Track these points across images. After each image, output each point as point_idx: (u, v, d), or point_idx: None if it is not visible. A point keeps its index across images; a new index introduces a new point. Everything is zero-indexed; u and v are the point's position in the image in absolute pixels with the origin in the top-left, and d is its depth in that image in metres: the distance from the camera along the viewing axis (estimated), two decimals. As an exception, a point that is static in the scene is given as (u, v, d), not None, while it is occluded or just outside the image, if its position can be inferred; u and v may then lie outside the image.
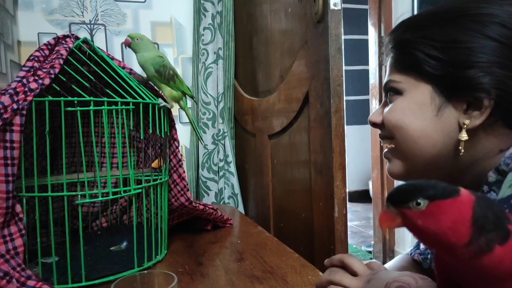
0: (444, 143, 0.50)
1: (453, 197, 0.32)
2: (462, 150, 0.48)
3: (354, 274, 0.51)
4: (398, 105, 0.53)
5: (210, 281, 0.70)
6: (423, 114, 0.50)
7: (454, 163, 0.51)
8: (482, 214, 0.31)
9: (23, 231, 0.64)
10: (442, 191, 0.32)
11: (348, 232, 1.01)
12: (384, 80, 0.57)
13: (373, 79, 2.48)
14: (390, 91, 0.55)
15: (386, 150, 0.58)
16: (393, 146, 0.55)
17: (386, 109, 0.55)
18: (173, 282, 0.49)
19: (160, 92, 0.86)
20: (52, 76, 0.67)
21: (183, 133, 1.63)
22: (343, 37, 0.93)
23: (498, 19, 0.46)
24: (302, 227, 1.10)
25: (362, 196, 4.14)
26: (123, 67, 0.85)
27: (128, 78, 0.81)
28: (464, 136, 0.48)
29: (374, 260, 0.56)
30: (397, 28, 0.55)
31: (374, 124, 0.57)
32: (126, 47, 0.86)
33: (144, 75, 0.87)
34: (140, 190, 0.75)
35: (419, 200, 0.32)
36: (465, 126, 0.48)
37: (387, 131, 0.55)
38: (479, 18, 0.47)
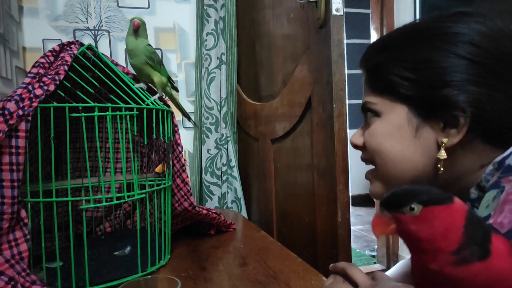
0: (424, 164, 0.50)
1: (447, 204, 0.32)
2: (442, 169, 0.48)
3: (355, 284, 0.52)
4: (377, 129, 0.53)
5: (214, 286, 0.70)
6: (402, 137, 0.51)
7: (435, 181, 0.51)
8: (473, 225, 0.32)
9: (28, 236, 0.64)
10: (436, 197, 0.33)
11: (352, 237, 1.01)
12: (362, 100, 0.57)
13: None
14: (368, 112, 0.55)
15: (367, 171, 0.58)
16: (374, 167, 0.56)
17: (366, 132, 0.55)
18: (177, 287, 0.49)
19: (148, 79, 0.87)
20: (57, 82, 0.68)
21: (187, 138, 1.63)
22: (345, 41, 0.93)
23: (467, 37, 0.47)
24: (305, 231, 1.10)
25: (365, 200, 4.13)
26: (127, 73, 0.86)
27: (132, 84, 0.82)
28: (443, 155, 0.48)
29: (379, 270, 0.56)
30: (368, 52, 0.56)
31: (355, 146, 0.58)
32: (134, 29, 0.84)
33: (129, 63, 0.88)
34: (143, 195, 0.76)
35: (413, 205, 0.32)
36: (443, 144, 0.48)
37: (368, 154, 0.56)
38: (449, 38, 0.48)
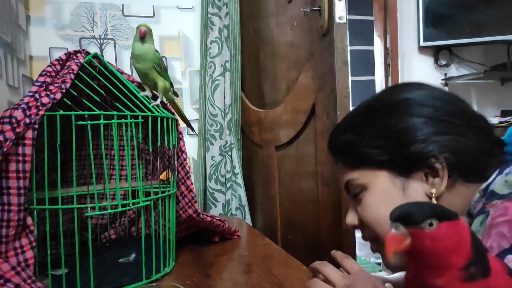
0: None
1: (456, 220, 0.33)
2: None
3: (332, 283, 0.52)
4: (368, 201, 0.55)
5: (218, 293, 0.70)
6: (392, 200, 0.52)
7: None
8: (476, 241, 0.32)
9: (34, 243, 0.64)
10: (448, 212, 0.33)
11: (357, 244, 1.00)
12: (342, 181, 0.60)
13: (380, 89, 2.48)
14: (354, 190, 0.57)
15: (373, 248, 0.59)
16: (380, 241, 0.56)
17: (359, 209, 0.57)
18: (182, 295, 0.49)
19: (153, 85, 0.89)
20: (64, 90, 0.69)
21: (191, 145, 1.64)
22: (348, 48, 0.94)
23: (415, 100, 0.54)
24: (310, 239, 1.09)
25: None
26: (132, 81, 0.86)
27: (137, 92, 0.83)
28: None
29: (349, 258, 0.55)
30: (335, 134, 0.60)
31: (354, 226, 0.60)
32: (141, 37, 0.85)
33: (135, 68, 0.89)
34: (148, 202, 0.76)
35: (431, 221, 0.32)
36: (433, 195, 0.51)
37: (367, 231, 0.57)
38: (403, 104, 0.54)
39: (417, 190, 0.52)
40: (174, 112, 0.89)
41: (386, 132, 0.54)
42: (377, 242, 0.57)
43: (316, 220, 1.05)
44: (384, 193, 0.54)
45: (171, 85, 0.92)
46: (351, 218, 0.59)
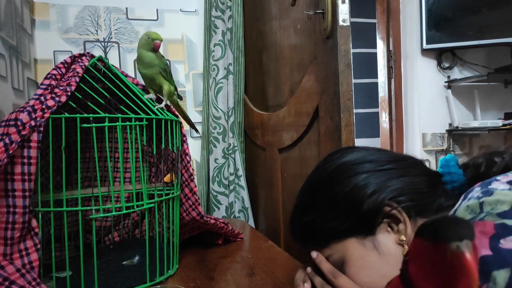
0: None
1: None
2: None
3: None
4: (350, 273, 0.54)
5: (222, 296, 0.70)
6: (371, 263, 0.53)
7: None
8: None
9: (39, 246, 0.65)
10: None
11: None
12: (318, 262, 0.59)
13: (382, 92, 2.48)
14: (336, 267, 0.56)
15: None
16: None
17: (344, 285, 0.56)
18: (186, 297, 0.49)
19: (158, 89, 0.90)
20: (69, 93, 0.69)
21: (194, 148, 1.64)
22: (352, 51, 0.94)
23: (349, 162, 0.56)
24: (313, 241, 1.09)
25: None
26: (137, 84, 0.87)
27: (141, 94, 0.83)
28: (406, 249, 0.51)
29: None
30: (293, 222, 0.61)
31: None
32: (156, 50, 0.86)
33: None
34: (152, 205, 0.76)
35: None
36: (404, 242, 0.51)
37: None
38: (338, 170, 0.57)
39: (388, 242, 0.52)
40: (178, 114, 0.90)
41: (335, 201, 0.55)
42: None
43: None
44: (360, 260, 0.54)
45: (175, 88, 0.93)
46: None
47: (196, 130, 1.02)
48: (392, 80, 2.24)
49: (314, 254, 0.58)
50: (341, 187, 0.55)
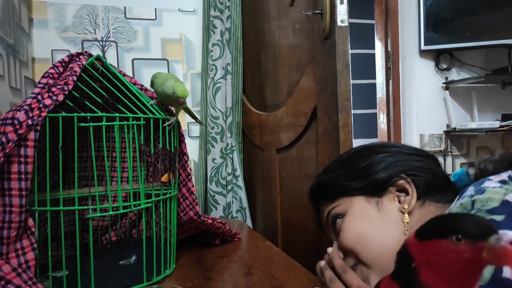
0: (399, 231, 0.55)
1: None
2: (406, 231, 0.55)
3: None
4: (346, 222, 0.59)
5: (219, 296, 0.70)
6: (369, 216, 0.57)
7: None
8: None
9: (35, 245, 0.65)
10: None
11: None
12: (325, 214, 0.65)
13: (380, 93, 2.49)
14: (335, 219, 0.62)
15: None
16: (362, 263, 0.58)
17: (339, 238, 0.60)
18: (183, 297, 0.49)
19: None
20: (66, 92, 0.69)
21: (192, 147, 1.64)
22: (350, 52, 0.94)
23: (376, 145, 0.65)
24: (311, 241, 1.09)
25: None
26: (134, 83, 0.87)
27: (139, 94, 0.83)
28: (406, 218, 0.55)
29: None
30: (315, 180, 0.67)
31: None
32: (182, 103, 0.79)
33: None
34: (150, 204, 0.76)
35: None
36: (405, 209, 0.55)
37: (350, 260, 0.59)
38: (365, 149, 0.64)
39: (390, 207, 0.57)
40: (175, 111, 0.88)
41: (355, 169, 0.61)
42: (360, 267, 0.58)
43: (317, 222, 1.05)
44: (360, 211, 0.58)
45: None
46: (334, 252, 0.61)
47: (201, 123, 1.01)
48: (390, 81, 2.25)
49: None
50: (363, 160, 0.61)
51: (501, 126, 1.91)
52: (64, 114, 0.66)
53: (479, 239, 0.29)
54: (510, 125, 1.90)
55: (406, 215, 0.55)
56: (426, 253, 0.31)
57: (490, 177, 0.43)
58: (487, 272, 0.34)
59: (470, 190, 0.43)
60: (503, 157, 0.52)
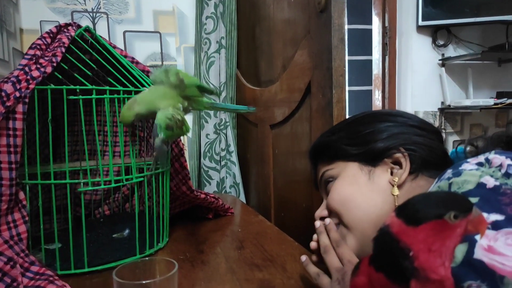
0: (384, 201, 0.57)
1: None
2: (397, 204, 0.55)
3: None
4: (336, 185, 0.62)
5: (211, 268, 0.71)
6: (358, 182, 0.59)
7: None
8: None
9: (27, 218, 0.65)
10: None
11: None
12: (319, 175, 0.67)
13: (376, 69, 2.47)
14: (327, 181, 0.64)
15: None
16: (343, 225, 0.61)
17: (328, 198, 0.63)
18: (174, 269, 0.50)
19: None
20: (54, 64, 0.67)
21: (185, 123, 1.63)
22: (346, 27, 0.92)
23: (382, 112, 0.66)
24: (303, 216, 1.10)
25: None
26: (125, 56, 0.85)
27: (130, 67, 0.81)
28: (395, 191, 0.56)
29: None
30: (317, 140, 0.69)
31: (322, 218, 0.64)
32: None
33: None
34: (142, 179, 0.76)
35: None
36: (395, 182, 0.56)
37: (334, 220, 0.61)
38: (369, 116, 0.65)
39: (382, 177, 0.58)
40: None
41: (357, 134, 0.62)
42: (341, 228, 0.61)
43: (309, 198, 1.06)
44: (351, 176, 0.60)
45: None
46: (319, 211, 0.65)
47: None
48: (387, 57, 2.22)
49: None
50: (366, 127, 0.62)
51: (495, 104, 1.91)
52: (52, 86, 0.65)
53: (468, 212, 0.31)
54: (504, 103, 1.90)
55: (396, 188, 0.56)
56: (423, 238, 0.31)
57: (468, 160, 0.43)
58: (459, 253, 0.35)
59: (448, 172, 0.43)
60: (495, 137, 0.52)
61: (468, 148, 0.55)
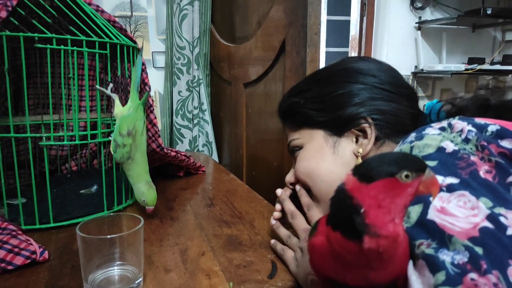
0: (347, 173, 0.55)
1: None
2: None
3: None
4: (302, 156, 0.61)
5: (180, 224, 0.71)
6: (322, 155, 0.58)
7: None
8: None
9: (-14, 172, 0.62)
10: None
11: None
12: (288, 145, 0.65)
13: (354, 30, 2.44)
14: (293, 149, 0.63)
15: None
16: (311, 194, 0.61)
17: (296, 165, 0.62)
18: (140, 224, 0.50)
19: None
20: (9, 8, 0.62)
21: (157, 78, 1.58)
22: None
23: (356, 69, 0.59)
24: (274, 175, 1.12)
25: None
26: (89, 3, 0.80)
27: (95, 16, 0.76)
28: (359, 162, 0.55)
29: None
30: (284, 97, 0.66)
31: (291, 184, 0.64)
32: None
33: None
34: (108, 139, 0.74)
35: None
36: (359, 153, 0.55)
37: (301, 185, 0.62)
38: (343, 73, 0.60)
39: (346, 148, 0.57)
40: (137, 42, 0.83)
41: (325, 96, 0.59)
42: (312, 198, 0.62)
43: (280, 157, 1.07)
44: (317, 149, 0.59)
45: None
46: (289, 177, 0.65)
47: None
48: (365, 18, 2.20)
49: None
50: (335, 87, 0.59)
51: (466, 69, 1.95)
52: (8, 33, 0.60)
53: (420, 173, 0.31)
54: (474, 69, 1.94)
55: (360, 160, 0.55)
56: (374, 195, 0.31)
57: (432, 124, 0.44)
58: (414, 214, 0.36)
59: (411, 136, 0.44)
60: (474, 98, 0.52)
61: (445, 107, 0.55)
